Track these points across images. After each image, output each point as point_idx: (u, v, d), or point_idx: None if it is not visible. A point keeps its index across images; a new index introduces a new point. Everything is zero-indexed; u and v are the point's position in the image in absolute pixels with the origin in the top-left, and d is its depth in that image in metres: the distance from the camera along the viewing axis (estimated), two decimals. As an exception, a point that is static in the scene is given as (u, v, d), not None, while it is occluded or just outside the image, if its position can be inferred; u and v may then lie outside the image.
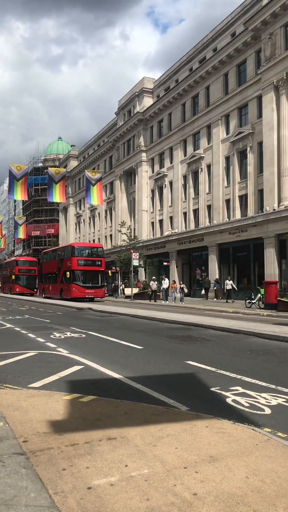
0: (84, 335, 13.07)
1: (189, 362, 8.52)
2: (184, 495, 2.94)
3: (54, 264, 40.93)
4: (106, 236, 65.54)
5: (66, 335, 12.95)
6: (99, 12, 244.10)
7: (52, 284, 41.64)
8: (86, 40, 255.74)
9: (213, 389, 6.31)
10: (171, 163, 48.61)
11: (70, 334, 13.19)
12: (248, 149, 36.52)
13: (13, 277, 54.76)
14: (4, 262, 72.52)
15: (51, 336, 12.73)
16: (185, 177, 46.05)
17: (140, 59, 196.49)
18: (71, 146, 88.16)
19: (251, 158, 36.28)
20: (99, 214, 68.17)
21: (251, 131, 36.03)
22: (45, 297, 42.76)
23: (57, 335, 12.97)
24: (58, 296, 39.26)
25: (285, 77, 31.46)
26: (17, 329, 14.72)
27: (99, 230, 68.50)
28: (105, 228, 66.06)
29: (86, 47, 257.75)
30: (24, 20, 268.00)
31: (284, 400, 5.74)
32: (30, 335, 13.04)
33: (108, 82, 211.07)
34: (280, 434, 4.43)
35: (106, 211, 65.25)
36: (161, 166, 51.24)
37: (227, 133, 39.53)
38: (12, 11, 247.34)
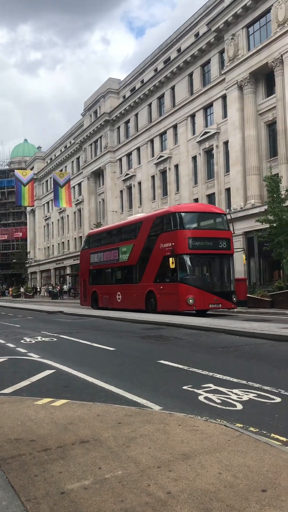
0: (55, 339, 12.94)
1: (162, 361, 8.54)
2: (158, 494, 2.94)
3: None
4: (75, 238, 65.11)
5: (37, 340, 12.79)
6: (76, 16, 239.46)
7: None
8: (65, 45, 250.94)
9: (185, 387, 6.34)
10: (139, 163, 48.74)
11: (41, 338, 13.03)
12: (215, 148, 36.98)
13: (171, 261, 18.71)
14: (93, 232, 31.72)
15: (22, 341, 12.54)
16: (153, 177, 46.25)
17: (117, 63, 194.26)
18: (38, 148, 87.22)
19: (217, 158, 36.74)
20: (68, 216, 67.69)
21: (216, 131, 36.48)
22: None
23: (28, 339, 12.79)
24: None
25: (248, 77, 31.98)
26: (-13, 335, 14.44)
27: (68, 232, 67.99)
28: (74, 230, 65.62)
29: (66, 52, 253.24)
30: (1, 26, 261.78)
31: (255, 395, 5.82)
32: (0, 340, 12.81)
33: (85, 85, 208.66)
34: (251, 429, 4.49)
35: (75, 212, 64.84)
36: (129, 166, 51.30)
37: (194, 133, 39.90)
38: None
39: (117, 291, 24.52)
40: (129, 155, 51.49)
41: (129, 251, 23.42)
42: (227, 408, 5.30)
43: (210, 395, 5.84)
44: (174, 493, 2.95)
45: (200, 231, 20.04)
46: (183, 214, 19.69)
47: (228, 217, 21.33)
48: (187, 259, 18.86)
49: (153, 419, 4.67)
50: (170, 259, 18.65)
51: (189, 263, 18.97)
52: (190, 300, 18.24)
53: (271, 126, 31.65)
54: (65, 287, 59.99)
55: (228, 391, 6.03)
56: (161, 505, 2.79)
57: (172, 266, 18.54)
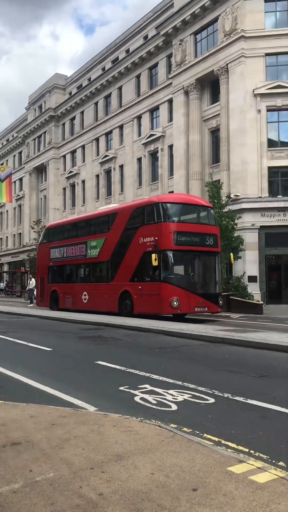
0: (-10, 337, 12.54)
1: (99, 362, 8.50)
2: (90, 496, 2.92)
3: None
4: (14, 235, 63.52)
5: None
6: (25, 7, 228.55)
7: None
8: (13, 37, 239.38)
9: (122, 388, 6.35)
10: (84, 161, 48.37)
11: (-25, 337, 12.58)
12: (159, 151, 37.38)
13: (154, 258, 16.68)
14: (55, 224, 28.94)
15: None
16: (97, 176, 46.05)
17: (66, 59, 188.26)
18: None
19: (162, 161, 37.18)
20: (7, 211, 65.91)
21: (162, 134, 36.90)
22: None
23: None
24: None
25: (194, 83, 32.61)
26: None
27: (7, 228, 66.21)
28: (14, 226, 64.00)
29: (13, 43, 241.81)
30: None
31: (190, 395, 5.92)
32: None
33: (31, 79, 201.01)
34: (185, 429, 4.56)
35: (14, 208, 63.25)
36: (73, 164, 50.78)
37: (139, 134, 40.13)
38: None
39: (83, 291, 21.77)
40: (73, 152, 50.93)
41: (99, 246, 20.68)
42: (162, 408, 5.36)
43: (146, 396, 5.87)
44: (106, 495, 2.94)
45: (187, 225, 17.86)
46: (168, 205, 17.64)
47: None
48: (172, 256, 16.80)
49: (87, 420, 4.63)
50: (153, 255, 16.49)
51: (175, 261, 17.04)
52: (175, 302, 16.22)
53: (215, 133, 32.47)
54: (1, 285, 58.38)
55: (164, 391, 6.10)
56: (92, 507, 2.77)
57: (154, 263, 16.43)
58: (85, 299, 21.62)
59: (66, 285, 23.61)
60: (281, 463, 3.71)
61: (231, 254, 20.31)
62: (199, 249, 17.51)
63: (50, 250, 25.14)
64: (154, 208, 17.60)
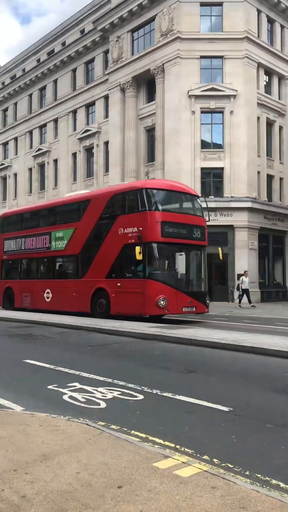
0: None
1: (28, 360, 8.31)
2: (12, 499, 2.84)
3: None
4: None
5: None
6: None
7: None
8: None
9: (50, 386, 6.25)
10: (16, 154, 47.11)
11: None
12: (95, 147, 37.16)
13: (138, 251, 14.46)
14: (10, 212, 25.93)
15: None
16: (31, 170, 44.99)
17: (0, 47, 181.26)
18: None
19: (97, 157, 36.97)
20: None
21: (98, 130, 36.70)
22: None
23: None
24: None
25: (131, 81, 32.70)
26: None
27: None
28: None
29: None
30: None
31: (119, 393, 5.94)
32: None
33: None
34: (113, 426, 4.56)
35: None
36: (5, 156, 49.31)
37: (75, 129, 39.67)
38: None
39: (45, 288, 19.28)
40: (5, 144, 49.43)
41: (67, 238, 18.20)
42: (91, 406, 5.33)
43: (75, 394, 5.82)
44: (29, 497, 2.88)
45: (175, 214, 15.91)
46: (154, 191, 15.53)
47: (204, 204, 17.56)
48: (159, 249, 14.94)
49: (13, 420, 4.52)
50: (137, 248, 14.33)
51: (161, 255, 15.29)
52: (162, 302, 14.34)
53: (150, 132, 32.74)
54: None
55: (93, 389, 6.07)
56: (14, 510, 2.71)
57: (138, 257, 14.36)
58: (48, 298, 19.23)
59: (24, 282, 21.07)
60: (205, 457, 3.81)
61: (220, 249, 18.72)
62: (187, 242, 15.86)
63: (3, 242, 22.44)
64: (137, 194, 15.56)
